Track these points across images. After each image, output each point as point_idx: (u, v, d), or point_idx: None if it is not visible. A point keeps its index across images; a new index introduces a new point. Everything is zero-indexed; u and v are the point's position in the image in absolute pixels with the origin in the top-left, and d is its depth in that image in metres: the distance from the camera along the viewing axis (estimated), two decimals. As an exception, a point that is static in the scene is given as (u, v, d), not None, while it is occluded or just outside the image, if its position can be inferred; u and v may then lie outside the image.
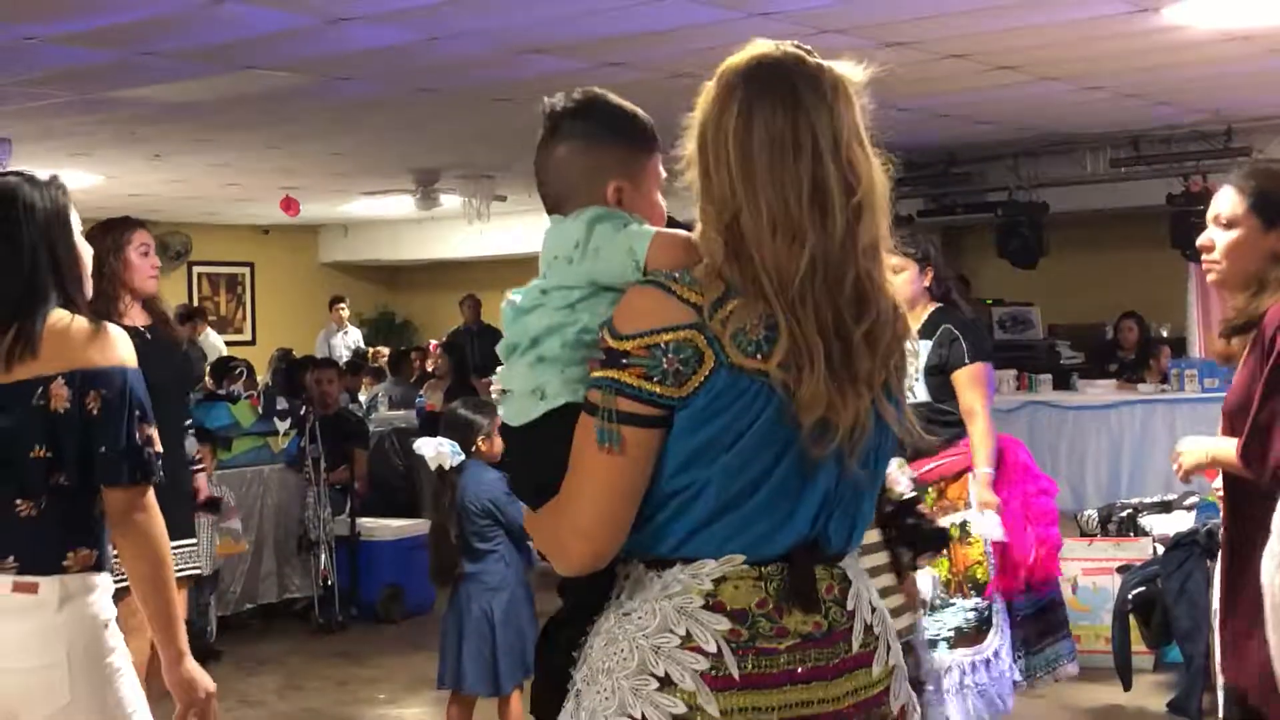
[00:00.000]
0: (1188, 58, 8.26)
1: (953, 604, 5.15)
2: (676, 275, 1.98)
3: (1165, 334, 12.47)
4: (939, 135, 11.30)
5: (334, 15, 6.55)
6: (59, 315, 2.88)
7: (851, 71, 2.07)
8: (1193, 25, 7.37)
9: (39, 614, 2.80)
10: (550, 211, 2.25)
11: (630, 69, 8.08)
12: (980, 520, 5.16)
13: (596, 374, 1.99)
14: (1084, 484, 10.85)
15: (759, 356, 1.94)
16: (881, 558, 3.95)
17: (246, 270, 18.13)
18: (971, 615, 5.13)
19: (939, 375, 5.27)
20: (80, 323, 2.87)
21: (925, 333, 5.25)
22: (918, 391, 5.10)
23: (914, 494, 4.01)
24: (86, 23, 6.54)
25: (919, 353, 3.83)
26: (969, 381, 5.27)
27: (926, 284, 5.33)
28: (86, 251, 3.06)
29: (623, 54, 7.69)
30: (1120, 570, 6.45)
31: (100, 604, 2.87)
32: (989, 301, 13.17)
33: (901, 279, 5.01)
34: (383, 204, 14.73)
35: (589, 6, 6.52)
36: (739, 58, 2.09)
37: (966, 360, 5.26)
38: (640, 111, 2.29)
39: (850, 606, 2.06)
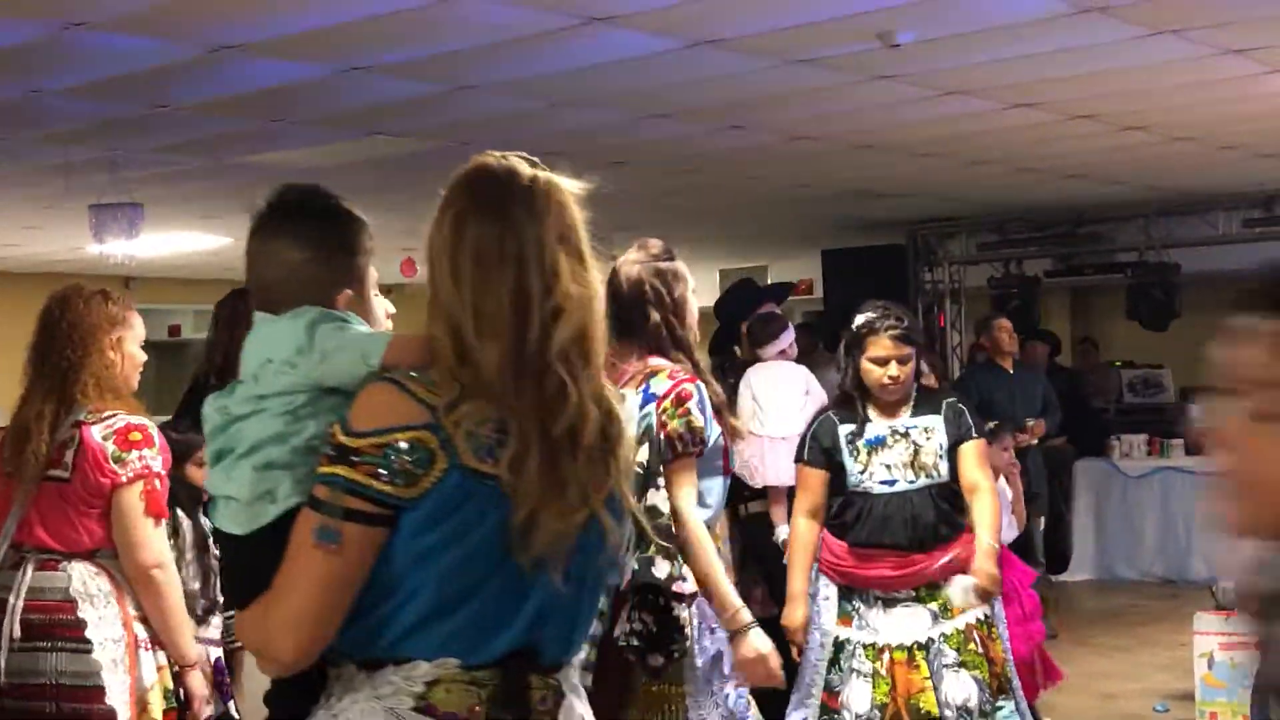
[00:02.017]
0: (1325, 117, 8.06)
1: (1001, 708, 4.75)
2: (414, 374, 2.00)
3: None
4: (1067, 195, 11.13)
5: (459, 83, 6.62)
6: None
7: (568, 183, 2.12)
8: (1331, 84, 7.19)
9: None
10: (259, 307, 2.24)
11: (751, 133, 8.08)
12: (954, 586, 4.78)
13: (324, 469, 1.97)
14: (1218, 553, 10.54)
15: (491, 460, 1.95)
16: None
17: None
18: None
19: (950, 453, 4.95)
20: None
21: (929, 408, 4.93)
22: (942, 470, 4.85)
23: (682, 589, 3.59)
24: (219, 91, 6.67)
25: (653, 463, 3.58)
26: (979, 455, 4.94)
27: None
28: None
29: (743, 117, 7.69)
30: (1259, 646, 6.22)
31: None
32: (1118, 364, 12.91)
33: (907, 370, 4.83)
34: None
35: (708, 72, 6.52)
36: (462, 169, 2.17)
37: (974, 434, 4.95)
38: (359, 213, 2.36)
39: (561, 719, 2.05)
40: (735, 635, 3.64)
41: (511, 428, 1.96)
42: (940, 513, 4.82)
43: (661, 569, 3.51)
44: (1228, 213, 11.52)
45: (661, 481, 3.58)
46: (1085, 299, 14.71)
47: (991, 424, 7.34)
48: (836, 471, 4.86)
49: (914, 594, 4.78)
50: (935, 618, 4.77)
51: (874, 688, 4.72)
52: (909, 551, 4.77)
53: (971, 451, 4.90)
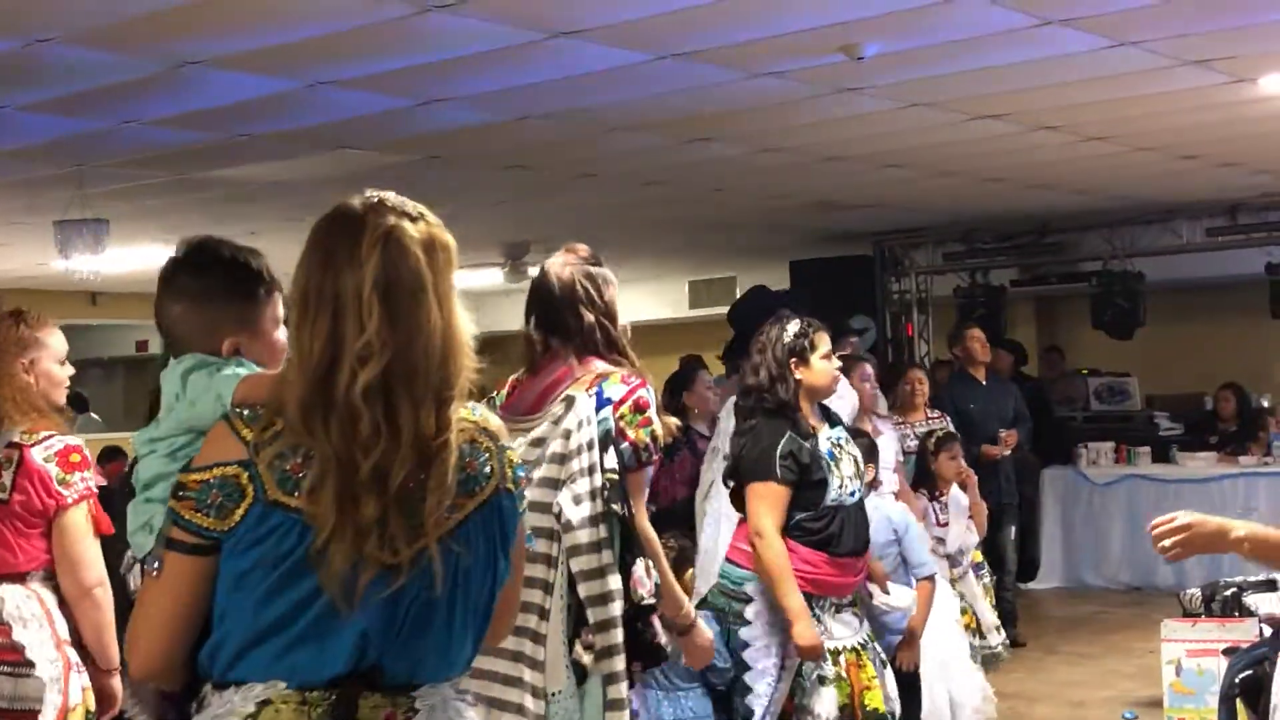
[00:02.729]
0: (1286, 126, 8.13)
1: None
2: (244, 412, 2.16)
3: (1266, 404, 12.20)
4: (1032, 205, 11.21)
5: (426, 97, 6.62)
6: None
7: (420, 230, 2.20)
8: (1292, 94, 7.26)
9: None
10: (174, 355, 2.46)
11: (718, 144, 8.10)
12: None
13: (169, 504, 2.16)
14: (1186, 560, 10.58)
15: (296, 493, 2.07)
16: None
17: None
18: None
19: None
20: None
21: (831, 420, 5.13)
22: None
23: (651, 601, 3.64)
24: (184, 106, 6.65)
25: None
26: None
27: None
28: None
29: (709, 130, 7.71)
30: (1226, 653, 6.26)
31: None
32: (1084, 371, 12.98)
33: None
34: (472, 276, 14.83)
35: (675, 85, 6.54)
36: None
37: None
38: (256, 258, 2.50)
39: None
40: (690, 629, 3.81)
41: (313, 462, 2.08)
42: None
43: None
44: (1191, 222, 11.61)
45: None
46: (1051, 308, 14.79)
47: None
48: (814, 487, 4.87)
49: (852, 597, 4.97)
50: (860, 620, 4.99)
51: (838, 690, 4.81)
52: (862, 557, 4.98)
53: None
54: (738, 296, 15.40)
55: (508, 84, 6.42)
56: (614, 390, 3.65)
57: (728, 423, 6.26)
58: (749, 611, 4.85)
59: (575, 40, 5.68)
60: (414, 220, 2.19)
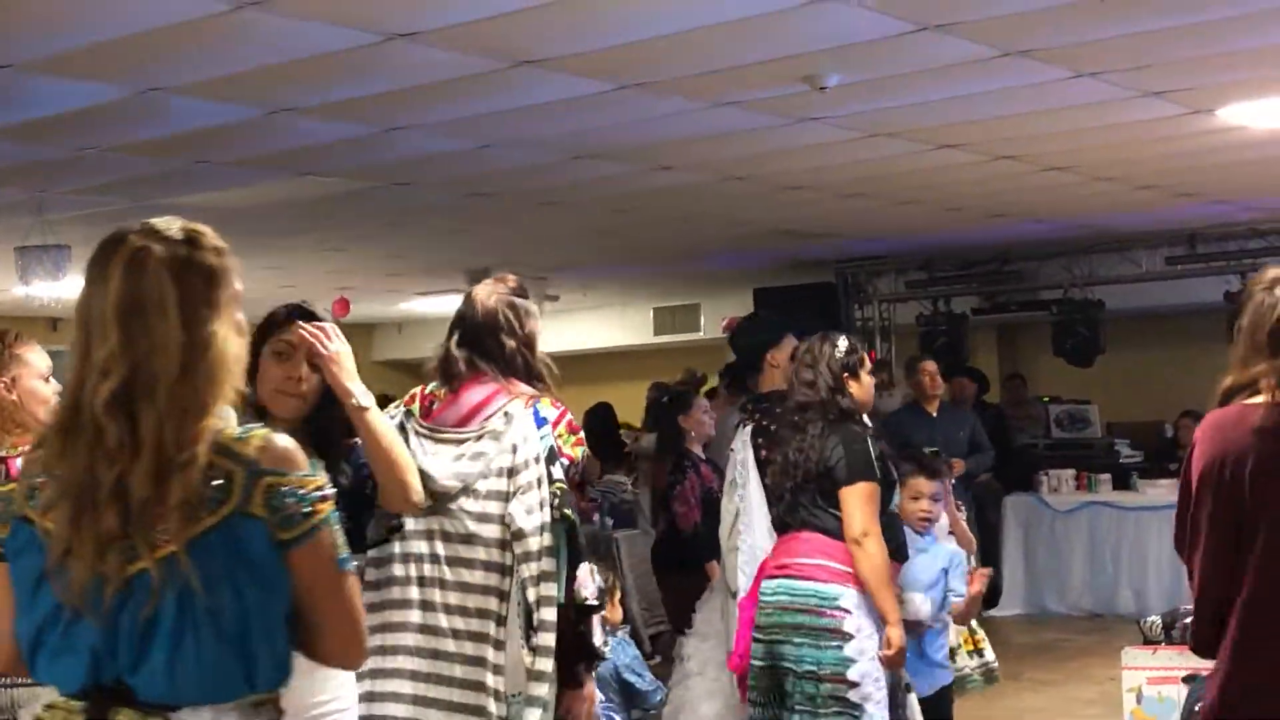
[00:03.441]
0: (1243, 157, 8.22)
1: None
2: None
3: (1226, 432, 12.27)
4: (993, 234, 11.28)
5: (389, 124, 6.62)
6: None
7: (161, 249, 2.23)
8: (1248, 125, 7.33)
9: None
10: None
11: (682, 173, 8.13)
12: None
13: None
14: (1147, 587, 10.64)
15: (39, 509, 2.18)
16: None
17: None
18: None
19: None
20: None
21: None
22: None
23: (594, 602, 3.87)
24: (146, 132, 6.63)
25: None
26: None
27: None
28: None
29: (673, 158, 7.74)
30: (1187, 680, 6.29)
31: None
32: (1045, 399, 13.05)
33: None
34: (437, 303, 14.82)
35: (638, 114, 6.56)
36: None
37: None
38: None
39: None
40: None
41: (55, 479, 2.17)
42: None
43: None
44: (1150, 250, 11.71)
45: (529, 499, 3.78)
46: (1012, 335, 14.88)
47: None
48: (887, 491, 5.02)
49: None
50: None
51: None
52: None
53: None
54: (703, 324, 15.50)
55: (471, 112, 6.43)
56: (548, 412, 3.87)
57: (744, 453, 5.99)
58: (848, 625, 4.82)
59: (538, 69, 5.70)
60: (173, 243, 2.23)
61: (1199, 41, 5.72)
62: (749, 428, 5.96)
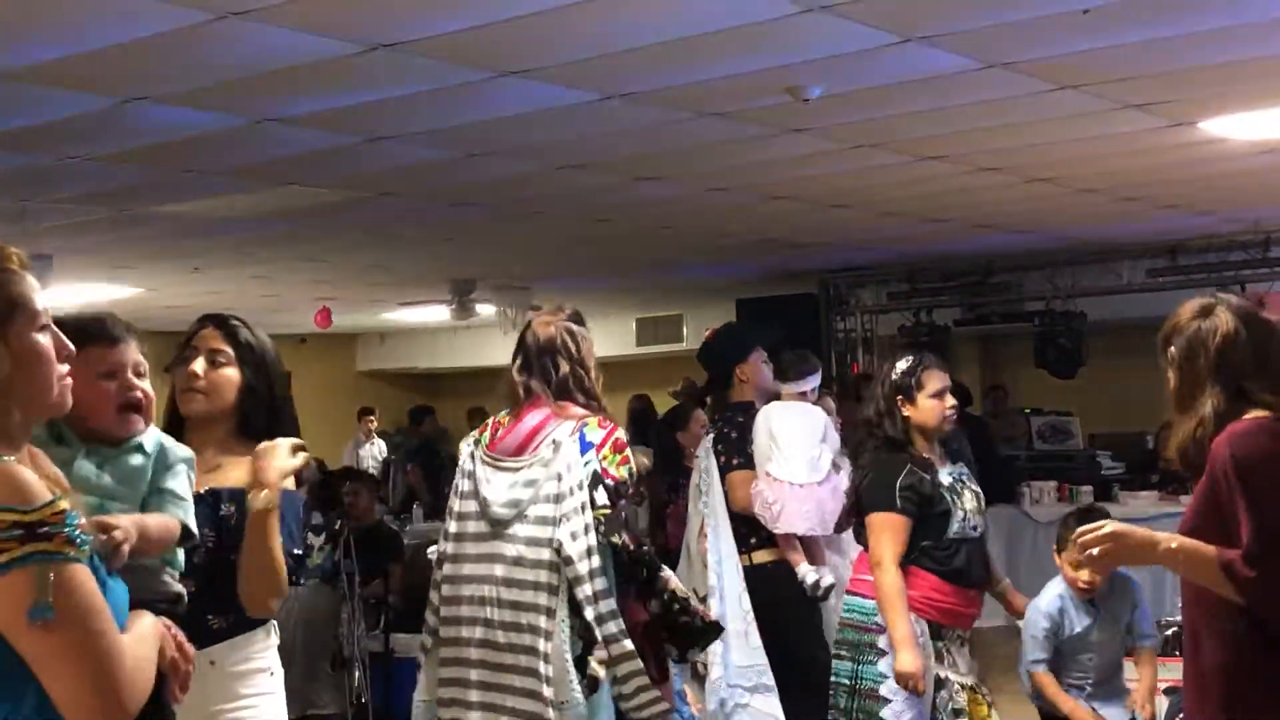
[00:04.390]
0: (1226, 169, 8.25)
1: None
2: None
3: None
4: (975, 245, 11.31)
5: (373, 134, 6.62)
6: None
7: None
8: (1230, 138, 7.36)
9: None
10: None
11: (665, 184, 8.14)
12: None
13: None
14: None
15: None
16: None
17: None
18: None
19: None
20: None
21: (957, 458, 5.35)
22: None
23: (687, 593, 4.36)
24: (129, 142, 6.61)
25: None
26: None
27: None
28: None
29: (656, 169, 7.74)
30: (1168, 692, 6.30)
31: None
32: (1027, 411, 13.07)
33: None
34: (419, 313, 14.80)
35: (622, 124, 6.56)
36: None
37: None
38: None
39: None
40: None
41: None
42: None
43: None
44: (1132, 262, 11.74)
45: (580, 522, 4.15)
46: (994, 347, 14.91)
47: None
48: (938, 519, 5.02)
49: (969, 633, 5.18)
50: (974, 658, 5.24)
51: None
52: (983, 591, 5.21)
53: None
54: (685, 335, 15.51)
55: (454, 122, 6.42)
56: (594, 435, 4.23)
57: (708, 460, 6.33)
58: (883, 641, 4.97)
59: (522, 79, 5.69)
60: None
61: (1181, 55, 5.74)
62: (711, 435, 6.51)
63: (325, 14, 4.84)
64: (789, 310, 12.76)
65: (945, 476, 5.11)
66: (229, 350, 3.66)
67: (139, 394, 3.03)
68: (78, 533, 2.04)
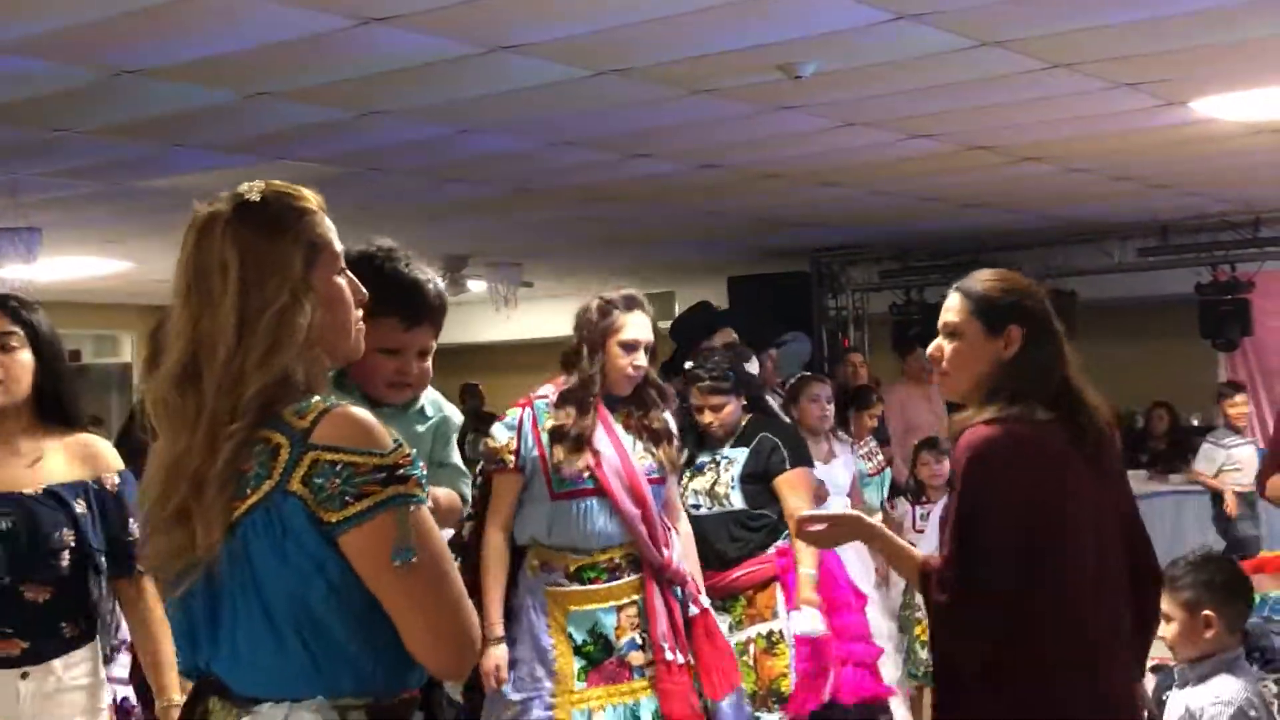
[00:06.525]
0: (1216, 149, 8.26)
1: (758, 718, 5.17)
2: None
3: (1196, 423, 12.37)
4: (967, 224, 11.31)
5: (365, 109, 6.61)
6: None
7: (239, 211, 2.22)
8: (1221, 118, 7.37)
9: None
10: None
11: (657, 161, 8.13)
12: (800, 617, 5.23)
13: None
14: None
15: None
16: None
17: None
18: None
19: (757, 483, 5.43)
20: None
21: (743, 441, 5.49)
22: (733, 499, 5.39)
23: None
24: (120, 115, 6.60)
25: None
26: (792, 486, 5.41)
27: (743, 403, 5.60)
28: None
29: (648, 146, 7.74)
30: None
31: None
32: (1018, 389, 13.08)
33: (726, 411, 5.48)
34: (411, 290, 14.78)
35: (615, 101, 6.56)
36: None
37: (788, 466, 5.43)
38: None
39: None
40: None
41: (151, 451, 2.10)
42: (731, 537, 5.34)
43: None
44: (1123, 242, 11.76)
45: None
46: (985, 326, 14.91)
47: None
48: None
49: (720, 603, 5.15)
50: (730, 629, 5.19)
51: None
52: (708, 569, 5.09)
53: (782, 484, 5.42)
54: (677, 312, 15.48)
55: (446, 98, 6.41)
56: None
57: None
58: None
59: (515, 55, 5.69)
60: (242, 206, 2.23)
61: (1173, 34, 5.75)
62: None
63: (317, -12, 4.83)
64: (780, 288, 12.76)
65: (702, 456, 5.44)
66: (18, 330, 3.29)
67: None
68: (424, 475, 2.04)
